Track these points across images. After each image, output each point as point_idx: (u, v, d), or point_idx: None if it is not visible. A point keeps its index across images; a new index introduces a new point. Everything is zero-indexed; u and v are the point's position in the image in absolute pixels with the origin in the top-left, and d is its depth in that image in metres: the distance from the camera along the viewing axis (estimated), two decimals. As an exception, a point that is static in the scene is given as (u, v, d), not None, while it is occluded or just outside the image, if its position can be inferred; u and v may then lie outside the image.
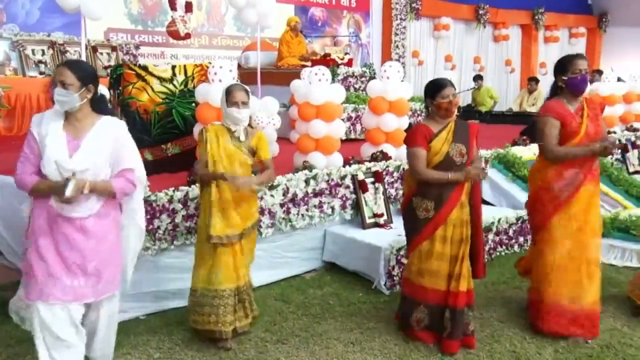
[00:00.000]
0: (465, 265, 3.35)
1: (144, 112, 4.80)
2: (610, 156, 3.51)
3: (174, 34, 8.32)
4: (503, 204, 5.70)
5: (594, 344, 3.45)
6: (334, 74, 7.98)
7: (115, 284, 2.83)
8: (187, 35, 8.40)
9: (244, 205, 3.35)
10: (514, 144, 6.49)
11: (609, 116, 7.46)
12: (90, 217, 2.64)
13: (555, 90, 3.59)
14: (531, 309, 3.69)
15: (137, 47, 9.02)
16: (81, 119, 2.66)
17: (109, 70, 6.09)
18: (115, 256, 2.81)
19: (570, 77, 3.45)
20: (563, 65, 3.50)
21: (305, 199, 4.54)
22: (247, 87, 3.39)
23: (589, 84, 3.49)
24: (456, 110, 3.39)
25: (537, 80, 10.40)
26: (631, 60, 15.18)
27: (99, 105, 2.73)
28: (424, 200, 3.35)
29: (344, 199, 4.81)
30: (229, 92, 3.30)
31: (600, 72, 9.32)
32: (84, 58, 5.15)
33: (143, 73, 4.90)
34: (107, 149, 2.66)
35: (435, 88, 3.36)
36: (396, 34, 12.33)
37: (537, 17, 14.70)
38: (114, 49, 8.53)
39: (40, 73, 7.49)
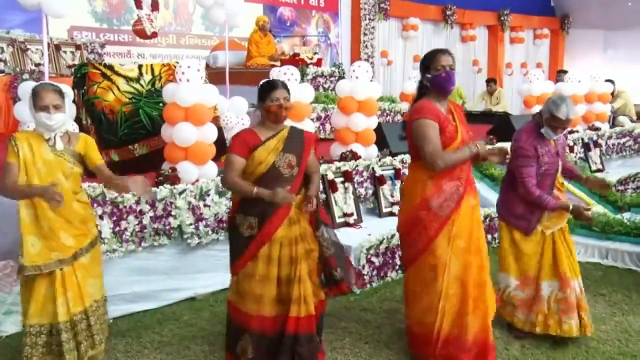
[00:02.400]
0: (306, 288, 2.92)
1: (110, 112, 4.71)
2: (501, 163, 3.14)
3: (140, 33, 8.20)
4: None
5: (557, 338, 3.52)
6: (303, 74, 7.99)
7: None
8: (154, 34, 8.28)
9: (75, 222, 2.81)
10: (482, 143, 6.57)
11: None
12: None
13: (421, 91, 3.14)
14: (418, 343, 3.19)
15: (102, 45, 8.85)
16: None
17: (73, 70, 5.96)
18: None
19: (434, 75, 3.04)
20: (426, 62, 3.11)
21: (275, 199, 4.51)
22: (59, 86, 2.82)
23: (455, 81, 3.02)
24: (287, 116, 3.00)
25: (495, 81, 10.46)
26: (591, 61, 15.65)
27: None
28: (247, 217, 2.93)
29: (314, 198, 4.79)
30: (35, 93, 2.75)
31: (564, 72, 9.53)
32: (46, 56, 5.02)
33: (109, 72, 4.82)
34: None
35: (265, 90, 2.95)
36: (365, 34, 12.41)
37: (502, 19, 14.99)
38: (78, 47, 8.34)
39: (0, 71, 7.28)
